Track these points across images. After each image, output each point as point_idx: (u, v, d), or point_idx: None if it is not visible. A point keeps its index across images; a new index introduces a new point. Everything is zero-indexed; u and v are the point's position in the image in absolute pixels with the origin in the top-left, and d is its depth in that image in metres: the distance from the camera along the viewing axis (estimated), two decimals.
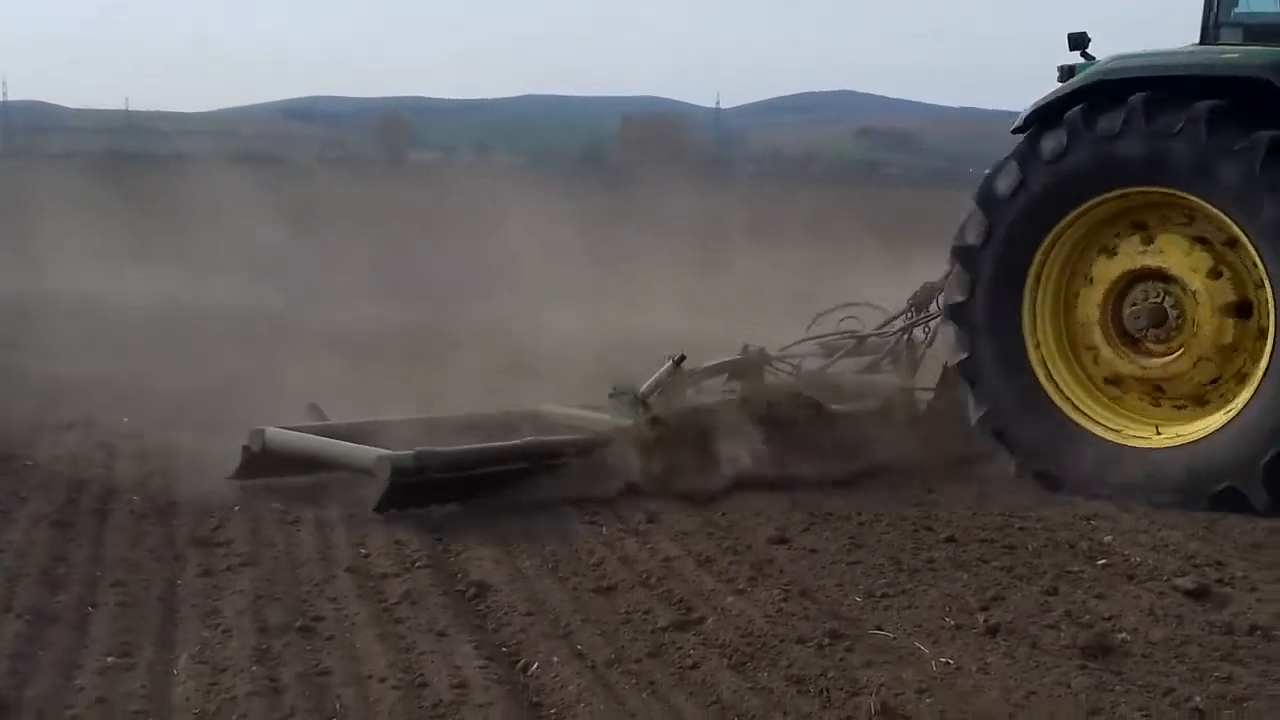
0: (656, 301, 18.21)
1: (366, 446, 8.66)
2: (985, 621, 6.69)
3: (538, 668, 6.10)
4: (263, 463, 9.06)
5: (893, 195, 53.53)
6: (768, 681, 5.94)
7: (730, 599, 7.04)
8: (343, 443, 8.88)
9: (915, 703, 5.67)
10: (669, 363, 9.90)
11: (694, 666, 6.12)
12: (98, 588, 7.09)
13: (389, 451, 8.41)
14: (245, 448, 9.05)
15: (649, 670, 6.10)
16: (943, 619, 6.81)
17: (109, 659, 6.07)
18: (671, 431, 9.30)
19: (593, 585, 7.27)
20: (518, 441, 8.98)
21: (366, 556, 7.73)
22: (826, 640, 6.41)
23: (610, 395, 9.78)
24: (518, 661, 6.23)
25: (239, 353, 14.59)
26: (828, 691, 5.80)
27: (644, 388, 9.73)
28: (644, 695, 5.81)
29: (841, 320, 11.99)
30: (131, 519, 8.44)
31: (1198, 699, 5.80)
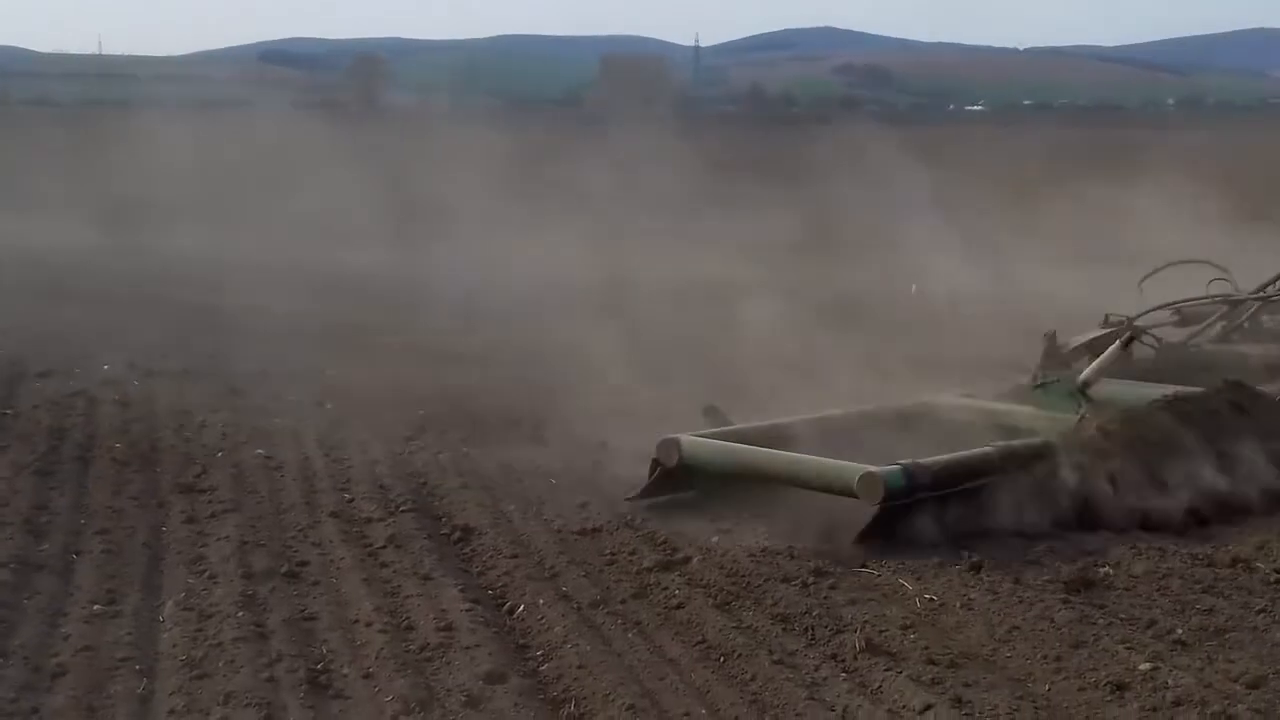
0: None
1: (838, 461, 7.15)
2: (969, 558, 6.73)
3: (524, 610, 6.12)
4: (676, 478, 7.67)
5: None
6: (753, 620, 5.96)
7: (715, 538, 7.06)
8: (798, 455, 7.39)
9: (900, 639, 5.70)
10: (1116, 344, 8.28)
11: (679, 606, 6.14)
12: (82, 535, 7.10)
13: (875, 467, 6.90)
14: (654, 462, 7.68)
15: (634, 611, 6.12)
16: (927, 556, 6.84)
17: (95, 607, 6.07)
18: (1132, 433, 7.52)
19: (577, 527, 7.28)
20: (993, 447, 7.33)
21: (350, 501, 7.73)
22: (811, 579, 6.43)
23: (1037, 385, 8.40)
24: (504, 604, 6.25)
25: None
26: (813, 629, 5.83)
27: (1084, 375, 8.12)
28: (630, 635, 5.83)
29: (1211, 282, 10.30)
30: (114, 466, 8.43)
31: (1180, 631, 5.84)
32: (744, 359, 10.12)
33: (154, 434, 9.22)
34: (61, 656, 5.51)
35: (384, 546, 6.93)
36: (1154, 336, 9.52)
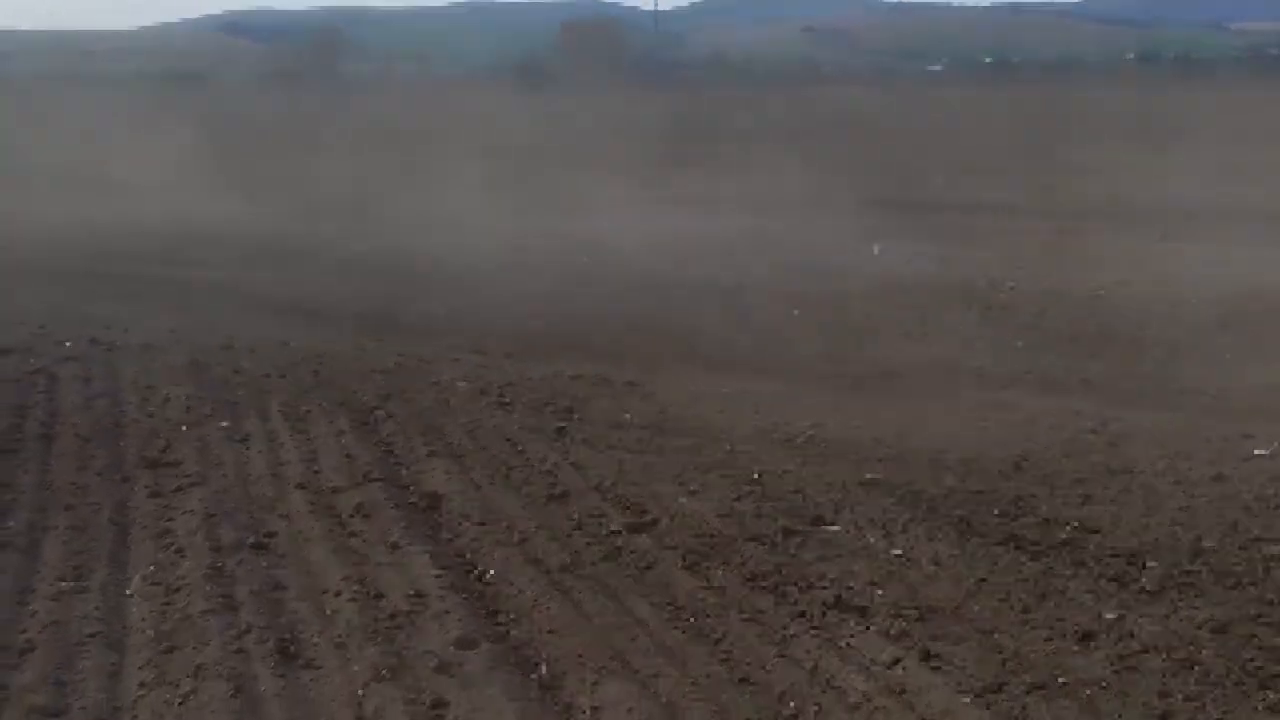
0: None
1: None
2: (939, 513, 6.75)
3: (493, 575, 6.12)
4: None
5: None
6: (722, 580, 5.98)
7: (683, 500, 7.07)
8: None
9: (868, 595, 5.73)
10: None
11: (649, 568, 6.16)
12: (47, 512, 7.05)
13: None
14: None
15: (604, 574, 6.13)
16: (896, 513, 6.87)
17: (62, 583, 6.04)
18: None
19: (545, 492, 7.28)
20: None
21: (317, 472, 7.69)
22: (779, 537, 6.46)
23: None
24: (473, 570, 6.24)
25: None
26: (782, 587, 5.86)
27: None
28: (600, 598, 5.84)
29: None
30: (77, 442, 8.36)
31: (1144, 581, 5.89)
32: None
33: (117, 409, 9.15)
34: (30, 633, 5.50)
35: (352, 516, 6.92)
36: None
